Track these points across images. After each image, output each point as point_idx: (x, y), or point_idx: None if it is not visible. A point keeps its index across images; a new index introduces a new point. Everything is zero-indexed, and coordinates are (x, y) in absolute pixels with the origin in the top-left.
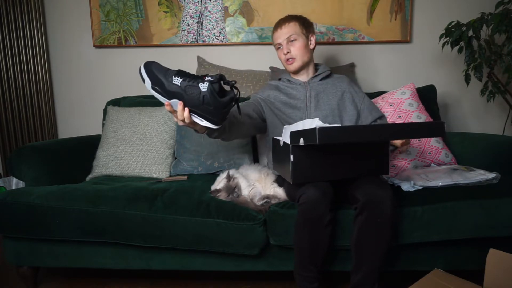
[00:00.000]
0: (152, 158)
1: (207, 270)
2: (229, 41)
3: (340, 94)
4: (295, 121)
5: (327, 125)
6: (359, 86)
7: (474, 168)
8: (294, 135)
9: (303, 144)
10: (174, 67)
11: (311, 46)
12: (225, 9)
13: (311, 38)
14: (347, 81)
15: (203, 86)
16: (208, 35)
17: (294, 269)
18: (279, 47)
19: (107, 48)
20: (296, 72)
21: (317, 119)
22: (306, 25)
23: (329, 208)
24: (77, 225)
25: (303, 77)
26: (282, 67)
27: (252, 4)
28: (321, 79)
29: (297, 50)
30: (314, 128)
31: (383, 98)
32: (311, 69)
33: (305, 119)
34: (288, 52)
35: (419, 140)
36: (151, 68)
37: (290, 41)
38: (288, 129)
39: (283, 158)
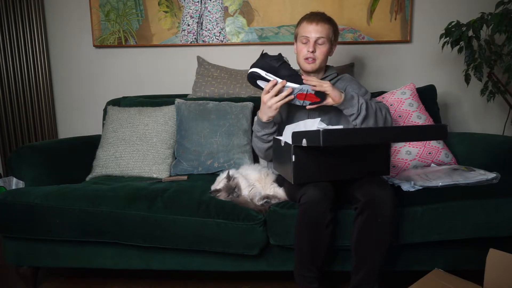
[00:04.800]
0: (152, 158)
1: (207, 270)
2: (229, 41)
3: None
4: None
5: (330, 127)
6: (358, 83)
7: (474, 168)
8: (297, 135)
9: (305, 145)
10: (174, 67)
11: (331, 54)
12: (225, 9)
13: (334, 47)
14: (348, 79)
15: None
16: (208, 35)
17: (294, 269)
18: (305, 42)
19: (107, 48)
20: (309, 73)
21: (318, 119)
22: (335, 32)
23: (330, 208)
24: (77, 225)
25: None
26: None
27: (252, 4)
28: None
29: (321, 54)
30: (318, 130)
31: (383, 98)
32: (321, 73)
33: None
34: (313, 52)
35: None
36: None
37: (318, 42)
38: (288, 129)
39: (285, 158)
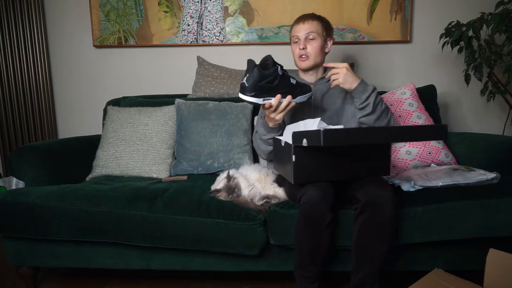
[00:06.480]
0: (152, 158)
1: (207, 270)
2: (229, 41)
3: (344, 94)
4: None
5: (331, 126)
6: None
7: (474, 168)
8: (297, 135)
9: (306, 145)
10: (174, 67)
11: (326, 50)
12: (225, 9)
13: (328, 42)
14: None
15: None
16: (208, 35)
17: (294, 269)
18: (296, 41)
19: (107, 48)
20: (306, 70)
21: (319, 119)
22: (327, 28)
23: (330, 208)
24: (77, 225)
25: (311, 78)
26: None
27: (252, 4)
28: (328, 81)
29: (313, 49)
30: (319, 130)
31: (383, 98)
32: (320, 71)
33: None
34: (303, 48)
35: None
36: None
37: (308, 38)
38: (289, 129)
39: (285, 158)
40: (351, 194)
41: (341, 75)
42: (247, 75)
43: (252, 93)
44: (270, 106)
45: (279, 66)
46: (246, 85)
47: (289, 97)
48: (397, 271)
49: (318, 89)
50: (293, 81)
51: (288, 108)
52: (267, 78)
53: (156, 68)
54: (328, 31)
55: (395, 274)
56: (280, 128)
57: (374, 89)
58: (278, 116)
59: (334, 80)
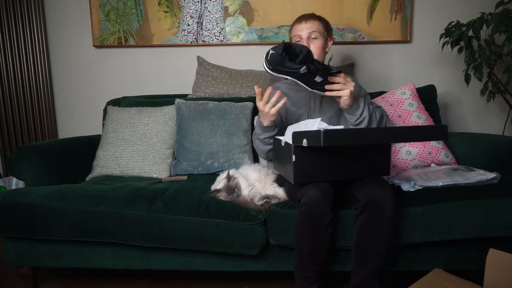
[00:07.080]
0: (152, 158)
1: (207, 270)
2: (229, 41)
3: None
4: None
5: (331, 127)
6: (358, 84)
7: (474, 168)
8: (297, 135)
9: (306, 145)
10: (174, 67)
11: (327, 50)
12: (225, 9)
13: (329, 42)
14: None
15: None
16: (208, 35)
17: (294, 269)
18: (298, 40)
19: (107, 48)
20: None
21: (319, 119)
22: (327, 28)
23: (330, 208)
24: (77, 225)
25: None
26: None
27: (252, 4)
28: None
29: (316, 48)
30: (319, 130)
31: (383, 98)
32: None
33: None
34: None
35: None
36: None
37: (311, 37)
38: (290, 129)
39: (285, 158)
40: (351, 194)
41: (347, 91)
42: (273, 52)
43: (270, 67)
44: (262, 93)
45: (305, 66)
46: (269, 59)
47: (278, 92)
48: (397, 271)
49: None
50: (318, 80)
51: (280, 104)
52: (288, 68)
53: (156, 68)
54: (328, 31)
55: (395, 274)
56: (276, 127)
57: (365, 99)
58: (272, 111)
59: (338, 92)
